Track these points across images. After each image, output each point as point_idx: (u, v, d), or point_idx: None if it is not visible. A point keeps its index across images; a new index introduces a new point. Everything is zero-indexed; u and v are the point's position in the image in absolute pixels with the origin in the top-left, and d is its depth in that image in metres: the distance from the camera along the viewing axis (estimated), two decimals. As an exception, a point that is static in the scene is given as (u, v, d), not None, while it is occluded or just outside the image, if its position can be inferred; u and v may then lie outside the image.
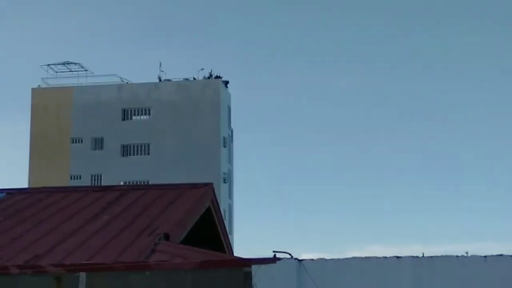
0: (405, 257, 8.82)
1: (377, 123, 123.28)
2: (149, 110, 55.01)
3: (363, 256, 8.96)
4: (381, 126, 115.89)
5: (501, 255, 8.93)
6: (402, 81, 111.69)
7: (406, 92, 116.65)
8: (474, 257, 8.98)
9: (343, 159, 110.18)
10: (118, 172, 50.60)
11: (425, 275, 8.55)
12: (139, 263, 9.32)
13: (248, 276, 8.35)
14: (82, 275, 9.04)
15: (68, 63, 57.89)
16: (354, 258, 8.89)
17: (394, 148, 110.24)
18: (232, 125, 58.11)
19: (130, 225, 11.66)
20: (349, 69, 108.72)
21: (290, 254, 8.55)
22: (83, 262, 9.44)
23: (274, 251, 8.58)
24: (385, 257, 8.38)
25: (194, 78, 56.08)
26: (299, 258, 8.59)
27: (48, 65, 58.62)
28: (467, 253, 9.46)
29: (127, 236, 10.96)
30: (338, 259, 8.82)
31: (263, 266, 8.42)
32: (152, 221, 11.85)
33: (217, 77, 56.13)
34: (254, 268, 8.38)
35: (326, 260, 8.57)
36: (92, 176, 52.22)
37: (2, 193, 14.93)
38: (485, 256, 8.97)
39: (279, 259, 8.61)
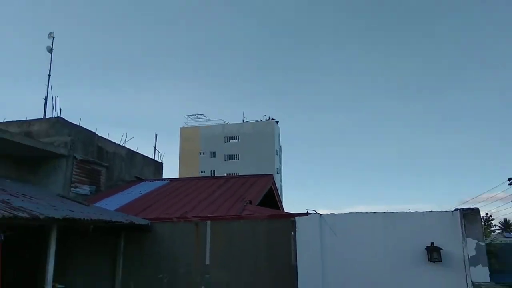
0: (378, 212, 8.30)
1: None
2: (238, 137, 55.35)
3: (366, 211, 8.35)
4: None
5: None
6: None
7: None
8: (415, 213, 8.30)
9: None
10: (223, 169, 51.09)
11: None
12: (237, 215, 9.29)
13: (293, 223, 8.20)
14: (208, 222, 9.07)
15: (197, 114, 59.18)
16: (354, 212, 8.48)
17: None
18: (281, 143, 57.98)
19: (231, 196, 11.65)
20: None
21: (315, 211, 8.32)
22: (208, 215, 9.48)
23: (306, 209, 8.36)
24: (374, 212, 8.04)
25: (261, 120, 56.49)
26: (320, 213, 8.30)
27: (187, 115, 60.12)
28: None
29: (230, 202, 10.96)
30: (348, 213, 8.45)
31: (301, 217, 8.25)
32: (242, 194, 11.82)
33: (272, 119, 56.43)
34: (296, 219, 8.23)
35: (337, 214, 8.30)
36: (210, 171, 52.73)
37: (167, 180, 15.21)
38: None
39: (309, 213, 8.37)
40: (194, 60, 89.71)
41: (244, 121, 56.61)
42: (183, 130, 57.75)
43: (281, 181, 54.66)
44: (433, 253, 7.38)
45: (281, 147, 57.59)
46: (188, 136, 56.09)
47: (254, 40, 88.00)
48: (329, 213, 8.13)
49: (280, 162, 56.51)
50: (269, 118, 56.45)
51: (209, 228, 8.95)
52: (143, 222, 9.09)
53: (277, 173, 51.37)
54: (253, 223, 8.87)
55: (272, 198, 13.96)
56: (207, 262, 8.77)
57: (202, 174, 49.72)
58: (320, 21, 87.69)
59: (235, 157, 53.48)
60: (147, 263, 9.19)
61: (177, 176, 37.61)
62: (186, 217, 9.43)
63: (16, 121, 13.25)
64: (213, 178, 15.03)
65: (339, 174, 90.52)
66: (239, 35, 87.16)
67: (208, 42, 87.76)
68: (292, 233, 8.12)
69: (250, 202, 10.52)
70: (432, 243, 7.43)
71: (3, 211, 5.99)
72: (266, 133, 53.96)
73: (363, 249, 7.81)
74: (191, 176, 22.38)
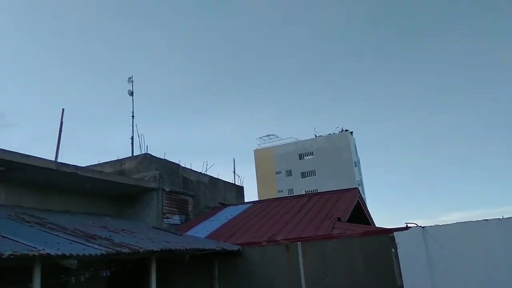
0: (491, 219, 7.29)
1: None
2: (312, 152, 54.44)
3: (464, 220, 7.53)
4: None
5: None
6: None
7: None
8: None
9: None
10: (300, 187, 50.41)
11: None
12: (328, 235, 8.85)
13: (393, 240, 7.53)
14: (299, 244, 8.77)
15: (269, 135, 59.83)
16: (461, 222, 7.56)
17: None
18: (358, 155, 55.76)
19: (317, 215, 11.24)
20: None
21: (415, 224, 7.57)
22: (298, 236, 9.17)
23: (405, 223, 7.62)
24: (486, 220, 7.07)
25: (334, 133, 55.11)
26: (422, 226, 7.53)
27: (259, 137, 60.95)
28: None
29: (317, 221, 10.56)
30: (454, 223, 7.52)
31: (401, 232, 7.54)
32: (328, 211, 11.34)
33: (346, 130, 54.73)
34: (395, 234, 7.55)
35: (442, 225, 7.42)
36: (288, 190, 52.34)
37: (250, 203, 15.26)
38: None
39: (409, 227, 7.63)
40: (260, 82, 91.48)
41: (317, 135, 55.79)
42: (257, 152, 58.63)
43: (364, 193, 52.38)
44: None
45: (358, 158, 55.43)
46: (262, 158, 56.77)
47: (317, 52, 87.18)
48: (432, 225, 7.33)
49: (360, 174, 54.27)
50: (342, 130, 54.87)
51: (300, 250, 8.65)
52: (234, 247, 9.10)
53: (358, 185, 49.33)
54: (347, 242, 8.38)
55: (360, 213, 13.19)
56: (303, 285, 8.41)
57: (281, 194, 49.55)
58: (387, 20, 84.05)
59: (311, 173, 52.60)
60: (240, 287, 9.14)
61: (257, 198, 37.95)
62: (276, 240, 9.24)
63: (109, 161, 14.39)
64: (295, 197, 14.73)
65: (423, 180, 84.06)
66: (296, 46, 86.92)
67: (269, 60, 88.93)
68: (393, 250, 7.46)
69: (339, 219, 10.00)
70: None
71: (107, 248, 6.35)
72: (341, 146, 52.44)
73: (477, 264, 6.86)
74: (270, 197, 22.34)
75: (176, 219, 13.48)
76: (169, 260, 8.73)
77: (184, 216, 13.98)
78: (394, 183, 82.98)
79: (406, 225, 7.52)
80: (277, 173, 55.28)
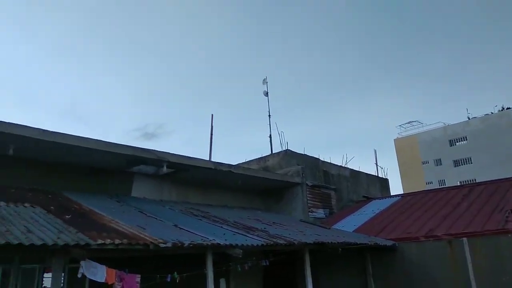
0: None
1: None
2: (466, 137, 48.13)
3: None
4: None
5: None
6: None
7: None
8: None
9: None
10: (454, 177, 45.11)
11: None
12: (502, 229, 7.69)
13: None
14: (465, 239, 7.86)
15: (410, 122, 55.53)
16: None
17: None
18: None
19: (483, 207, 9.90)
20: None
21: None
22: (463, 231, 8.22)
23: None
24: None
25: (492, 112, 47.60)
26: None
27: (400, 125, 57.14)
28: None
29: (483, 214, 9.29)
30: None
31: None
32: (497, 202, 9.87)
33: (508, 108, 46.70)
34: None
35: None
36: (438, 181, 47.52)
37: (398, 196, 14.42)
38: None
39: None
40: (394, 68, 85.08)
41: (470, 117, 49.02)
42: (398, 141, 54.72)
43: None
44: None
45: (522, 136, 46.66)
46: (404, 147, 52.74)
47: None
48: None
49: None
50: (503, 108, 46.91)
51: (467, 246, 7.73)
52: (388, 243, 8.69)
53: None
54: (528, 238, 7.11)
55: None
56: (473, 286, 7.49)
57: (430, 186, 45.17)
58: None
59: (467, 161, 46.42)
60: (399, 286, 8.66)
61: (400, 191, 35.49)
62: (435, 235, 8.47)
63: (254, 159, 15.40)
64: (452, 188, 13.24)
65: None
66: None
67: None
68: None
69: (513, 212, 8.58)
70: None
71: (265, 239, 6.79)
72: (502, 127, 44.89)
73: None
74: (416, 189, 20.58)
75: (320, 212, 13.60)
76: (318, 253, 8.84)
77: (328, 210, 14.01)
78: None
79: None
80: (424, 163, 50.59)
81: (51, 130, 7.12)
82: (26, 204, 6.24)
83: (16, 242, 4.09)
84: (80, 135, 7.56)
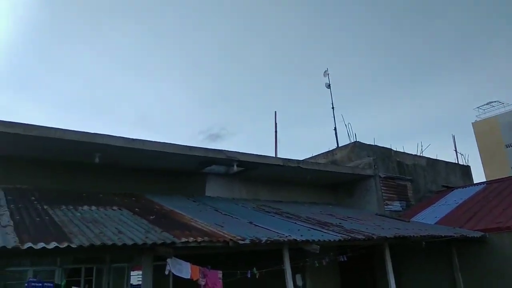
0: None
1: None
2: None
3: None
4: None
5: None
6: None
7: None
8: None
9: None
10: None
11: None
12: None
13: None
14: None
15: (490, 102, 50.62)
16: None
17: None
18: None
19: None
20: None
21: None
22: None
23: None
24: None
25: None
26: None
27: (478, 107, 52.30)
28: None
29: None
30: None
31: None
32: None
33: None
34: None
35: None
36: (528, 166, 42.89)
37: (482, 184, 13.24)
38: None
39: None
40: (468, 47, 78.16)
41: (562, 93, 43.60)
42: (476, 124, 50.25)
43: None
44: None
45: None
46: (484, 130, 48.27)
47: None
48: None
49: None
50: None
51: None
52: (476, 234, 8.03)
53: None
54: None
55: None
56: None
57: (515, 172, 41.07)
58: None
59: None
60: (490, 282, 7.96)
61: (483, 178, 32.76)
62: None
63: (322, 153, 15.12)
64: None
65: None
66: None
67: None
68: None
69: None
70: None
71: (342, 234, 6.63)
72: None
73: None
74: (500, 176, 18.70)
75: (396, 205, 12.98)
76: (396, 247, 8.42)
77: (404, 202, 13.33)
78: None
79: None
80: (507, 146, 46.09)
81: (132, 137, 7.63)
82: (114, 207, 6.75)
83: (110, 243, 4.41)
84: (158, 140, 8.00)
